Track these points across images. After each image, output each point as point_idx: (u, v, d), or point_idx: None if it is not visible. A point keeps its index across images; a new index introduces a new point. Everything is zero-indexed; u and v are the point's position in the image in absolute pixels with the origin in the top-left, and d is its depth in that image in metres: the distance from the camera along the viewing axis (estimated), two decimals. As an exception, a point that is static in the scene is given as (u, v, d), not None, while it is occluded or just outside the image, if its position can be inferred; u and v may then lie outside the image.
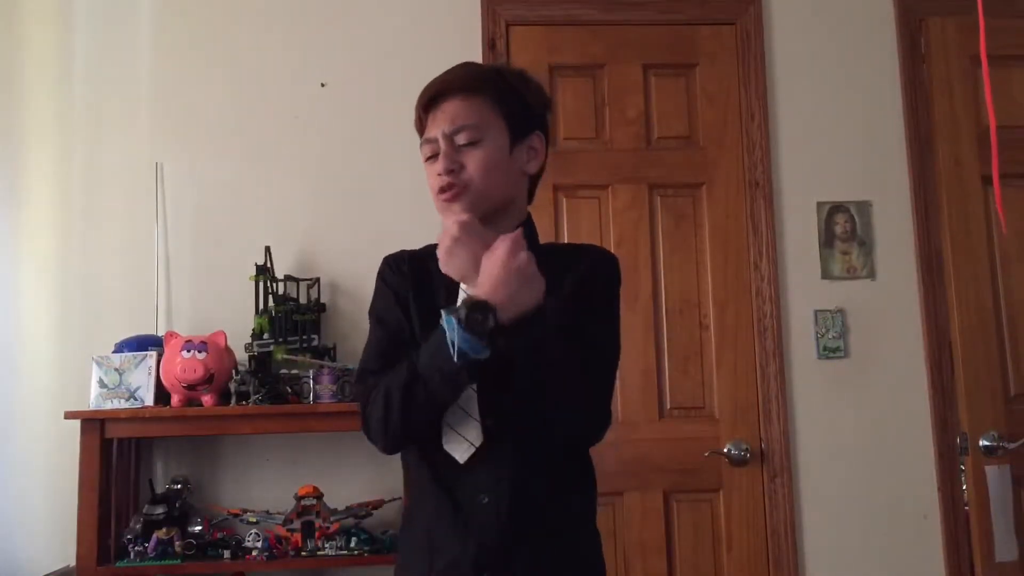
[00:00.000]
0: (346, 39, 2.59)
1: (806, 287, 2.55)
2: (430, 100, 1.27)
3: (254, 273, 2.35)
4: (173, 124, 2.54)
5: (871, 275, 2.57)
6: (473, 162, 1.24)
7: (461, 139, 1.25)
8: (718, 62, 2.65)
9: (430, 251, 1.27)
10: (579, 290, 1.25)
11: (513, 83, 1.31)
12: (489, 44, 2.57)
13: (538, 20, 2.62)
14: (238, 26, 2.59)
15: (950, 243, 2.54)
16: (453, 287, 1.24)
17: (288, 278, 2.39)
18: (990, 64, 1.31)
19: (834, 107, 2.62)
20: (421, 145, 1.29)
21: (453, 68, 1.31)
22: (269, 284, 2.35)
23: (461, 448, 1.19)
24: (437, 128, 1.26)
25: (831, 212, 2.59)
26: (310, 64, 2.57)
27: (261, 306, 2.35)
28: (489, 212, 1.26)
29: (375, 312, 1.32)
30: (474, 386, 1.18)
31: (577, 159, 2.58)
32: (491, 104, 1.27)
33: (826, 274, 2.56)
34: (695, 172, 2.61)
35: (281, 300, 2.33)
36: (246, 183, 2.52)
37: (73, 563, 2.13)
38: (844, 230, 2.58)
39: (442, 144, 1.25)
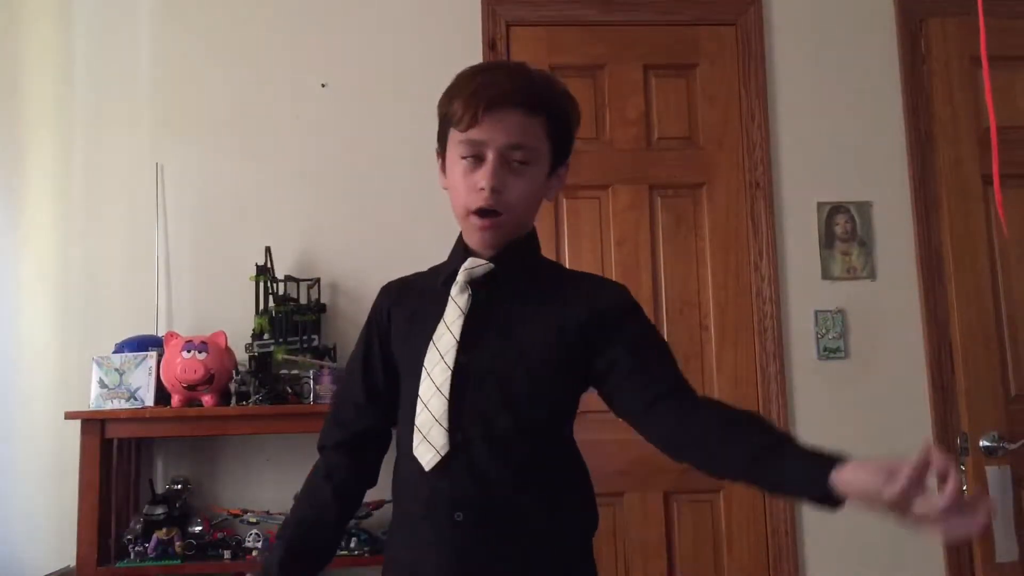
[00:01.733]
0: (346, 39, 2.59)
1: (806, 287, 2.55)
2: (491, 103, 1.19)
3: (254, 273, 2.35)
4: (173, 124, 2.54)
5: (871, 275, 2.57)
6: (516, 189, 1.22)
7: (516, 157, 1.21)
8: (718, 63, 2.65)
9: (419, 275, 1.36)
10: (614, 327, 1.23)
11: (567, 109, 1.28)
12: (489, 44, 2.57)
13: (538, 20, 2.62)
14: (238, 26, 2.59)
15: (950, 243, 2.54)
16: (431, 302, 1.27)
17: (288, 278, 2.39)
18: (991, 64, 1.31)
19: (834, 107, 2.63)
20: (460, 140, 1.22)
21: (511, 72, 1.25)
22: (269, 284, 2.35)
23: (428, 455, 1.17)
24: (491, 136, 1.19)
25: (831, 212, 2.59)
26: (310, 64, 2.57)
27: (261, 306, 2.35)
28: (508, 241, 1.26)
29: (361, 334, 1.38)
30: (446, 394, 1.18)
31: (577, 159, 2.53)
32: (546, 129, 1.24)
33: (826, 274, 2.56)
34: (695, 172, 2.61)
35: (281, 300, 2.33)
36: (246, 183, 2.52)
37: (73, 563, 2.14)
38: (844, 230, 2.58)
39: (492, 156, 1.20)
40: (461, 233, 1.30)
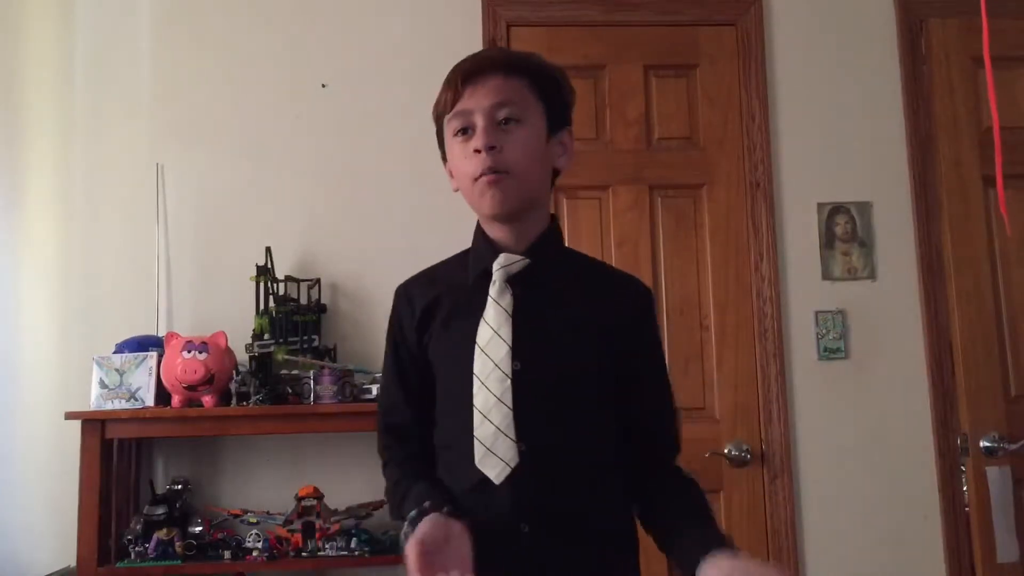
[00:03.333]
0: (347, 40, 2.59)
1: (807, 288, 2.55)
2: (468, 74, 1.20)
3: (255, 274, 2.35)
4: (174, 125, 2.54)
5: (872, 276, 2.57)
6: (513, 143, 1.17)
7: (502, 115, 1.18)
8: (719, 63, 2.65)
9: (437, 269, 1.31)
10: (630, 334, 1.26)
11: (551, 72, 1.27)
12: (490, 45, 2.56)
13: (539, 21, 2.62)
14: (239, 27, 2.59)
15: (951, 244, 2.54)
16: (465, 302, 1.24)
17: (288, 279, 2.39)
18: (992, 65, 1.31)
19: (835, 108, 2.63)
20: (449, 119, 1.21)
21: (487, 49, 1.27)
22: (270, 285, 2.35)
23: (496, 468, 1.14)
24: (475, 102, 1.18)
25: (832, 213, 2.59)
26: (310, 64, 2.57)
27: (262, 307, 2.35)
28: (520, 209, 1.21)
29: (388, 340, 1.33)
30: (510, 404, 1.15)
31: (578, 160, 2.51)
32: (532, 88, 1.21)
33: (827, 275, 2.56)
34: (696, 173, 2.61)
35: (282, 301, 2.33)
36: (247, 184, 2.52)
37: (73, 563, 2.14)
38: (845, 231, 2.58)
39: (480, 119, 1.17)
40: (480, 227, 1.27)
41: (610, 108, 2.62)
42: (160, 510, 2.20)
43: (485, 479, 1.15)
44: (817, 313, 2.54)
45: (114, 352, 2.27)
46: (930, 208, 2.58)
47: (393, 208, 2.51)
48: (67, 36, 2.58)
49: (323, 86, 2.57)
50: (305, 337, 2.31)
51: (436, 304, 1.26)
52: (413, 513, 1.12)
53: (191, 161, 2.52)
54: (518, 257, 1.22)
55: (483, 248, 1.25)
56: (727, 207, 2.59)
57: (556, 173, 1.29)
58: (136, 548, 2.14)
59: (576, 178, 2.56)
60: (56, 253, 2.49)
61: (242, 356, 2.29)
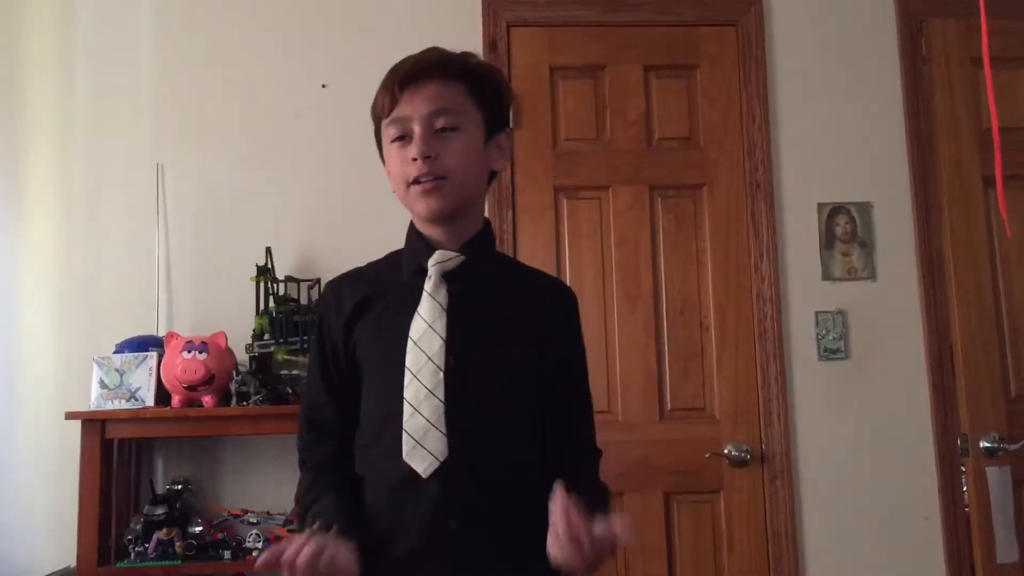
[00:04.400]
0: (346, 40, 2.59)
1: (807, 288, 2.55)
2: (406, 79, 1.21)
3: (255, 274, 2.35)
4: (174, 125, 2.54)
5: (872, 276, 2.57)
6: (450, 151, 1.19)
7: (439, 123, 1.19)
8: (719, 63, 2.65)
9: (368, 268, 1.33)
10: (560, 334, 1.28)
11: (489, 76, 1.28)
12: (490, 45, 2.57)
13: (539, 21, 2.62)
14: (239, 27, 2.59)
15: (951, 244, 2.54)
16: (399, 297, 1.24)
17: (289, 279, 2.39)
18: (991, 66, 1.31)
19: (835, 108, 2.62)
20: (386, 126, 1.23)
21: (425, 51, 1.26)
22: (270, 285, 2.35)
23: (425, 462, 1.13)
24: (413, 108, 1.19)
25: (832, 213, 2.59)
26: (311, 65, 2.57)
27: (262, 307, 2.35)
28: (456, 211, 1.23)
29: (314, 335, 1.32)
30: (441, 397, 1.14)
31: (578, 160, 2.58)
32: (469, 92, 1.23)
33: (827, 275, 2.56)
34: (696, 173, 2.61)
35: (282, 301, 2.33)
36: (247, 184, 2.52)
37: (73, 563, 2.14)
38: (845, 231, 2.58)
39: (418, 127, 1.19)
40: (413, 226, 1.28)
41: (610, 108, 2.62)
42: (160, 510, 2.20)
43: (412, 474, 1.14)
44: (817, 313, 2.54)
45: (114, 352, 2.27)
46: (930, 208, 2.58)
47: (393, 208, 2.48)
48: (67, 36, 2.58)
49: (323, 86, 2.57)
50: (305, 337, 2.31)
51: (367, 302, 1.26)
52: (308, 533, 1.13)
53: (191, 161, 2.52)
54: (454, 254, 1.23)
55: (417, 246, 1.26)
56: (727, 207, 2.59)
57: (493, 174, 1.30)
58: (136, 548, 2.14)
59: (576, 178, 2.57)
60: (57, 253, 2.49)
61: (242, 356, 2.29)
